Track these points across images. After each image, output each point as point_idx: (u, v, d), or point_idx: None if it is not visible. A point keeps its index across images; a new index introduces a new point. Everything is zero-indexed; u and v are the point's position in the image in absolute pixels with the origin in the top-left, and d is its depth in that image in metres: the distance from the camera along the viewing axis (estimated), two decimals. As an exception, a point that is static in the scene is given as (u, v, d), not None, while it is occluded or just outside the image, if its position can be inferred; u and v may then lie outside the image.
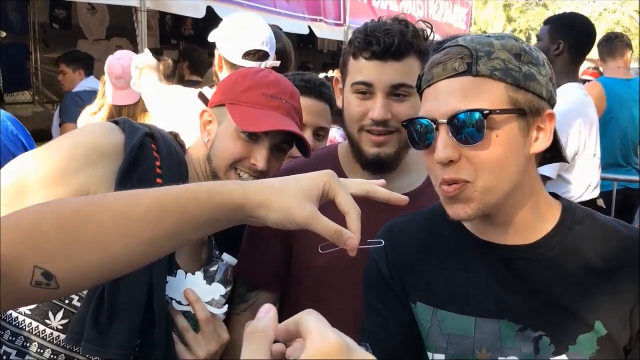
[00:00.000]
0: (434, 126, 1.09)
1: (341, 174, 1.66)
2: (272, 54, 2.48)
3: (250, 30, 2.43)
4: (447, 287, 1.20)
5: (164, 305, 1.31)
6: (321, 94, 2.06)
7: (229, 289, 1.46)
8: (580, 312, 1.11)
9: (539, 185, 1.19)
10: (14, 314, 1.30)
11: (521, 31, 24.06)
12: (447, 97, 1.08)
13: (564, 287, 1.13)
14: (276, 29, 2.88)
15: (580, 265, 1.14)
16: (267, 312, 0.60)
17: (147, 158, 1.35)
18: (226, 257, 1.48)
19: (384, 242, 1.04)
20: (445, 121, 1.07)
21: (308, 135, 2.03)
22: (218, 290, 1.41)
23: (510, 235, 1.17)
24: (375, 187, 1.02)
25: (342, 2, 6.88)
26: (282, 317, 1.72)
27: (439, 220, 1.21)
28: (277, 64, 2.46)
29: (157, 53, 8.18)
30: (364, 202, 1.01)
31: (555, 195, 1.24)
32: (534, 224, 1.17)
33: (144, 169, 1.32)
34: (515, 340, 1.13)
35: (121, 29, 7.49)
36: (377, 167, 1.61)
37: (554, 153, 1.21)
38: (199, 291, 1.39)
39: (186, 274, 1.41)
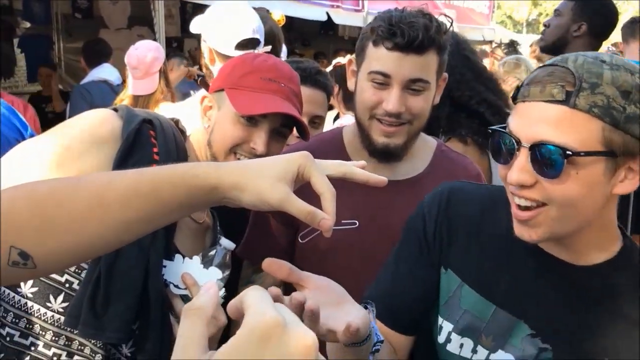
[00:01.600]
0: (516, 146, 1.06)
1: (346, 157, 1.68)
2: (262, 40, 2.49)
3: (239, 19, 2.44)
4: (482, 267, 1.21)
5: (159, 289, 1.34)
6: (317, 82, 2.08)
7: (226, 273, 1.48)
8: (595, 347, 1.11)
9: (613, 220, 1.16)
10: (16, 297, 1.33)
11: (547, 15, 23.57)
12: (536, 122, 1.04)
13: (591, 318, 1.13)
14: (263, 12, 2.90)
15: (612, 306, 1.13)
16: (208, 290, 0.60)
17: (144, 144, 1.37)
18: (224, 241, 1.50)
19: (357, 223, 1.05)
20: (527, 146, 1.04)
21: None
22: (215, 274, 1.43)
23: (563, 251, 1.16)
24: (353, 168, 1.01)
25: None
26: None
27: (500, 202, 1.19)
28: (268, 49, 2.48)
29: (177, 41, 8.22)
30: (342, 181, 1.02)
31: (621, 229, 1.21)
32: (590, 250, 1.15)
33: (140, 155, 1.35)
34: (522, 341, 1.15)
35: (142, 18, 7.53)
36: (385, 156, 1.63)
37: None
38: (196, 275, 1.41)
39: (184, 257, 1.43)
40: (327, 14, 6.46)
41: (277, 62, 1.55)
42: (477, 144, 2.24)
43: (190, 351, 0.54)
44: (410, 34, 1.50)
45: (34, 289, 1.33)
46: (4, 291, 1.35)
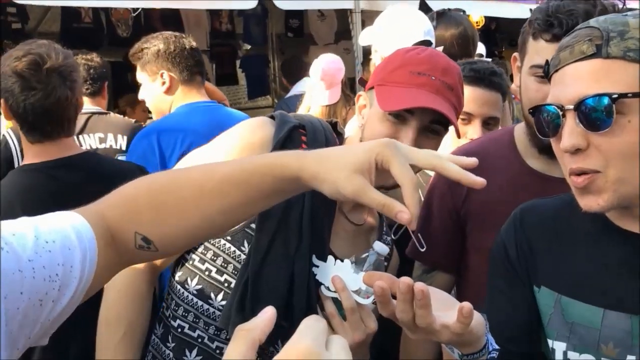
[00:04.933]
0: (561, 112, 1.04)
1: (517, 155, 1.65)
2: (434, 41, 2.44)
3: (409, 23, 2.42)
4: (575, 273, 1.12)
5: (304, 295, 1.36)
6: (491, 83, 2.00)
7: None
8: None
9: None
10: (185, 292, 1.47)
11: None
12: (574, 81, 1.02)
13: None
14: (457, 13, 2.83)
15: None
16: (264, 313, 0.62)
17: (293, 149, 1.41)
18: (377, 245, 1.48)
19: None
20: (572, 107, 1.02)
21: (477, 124, 1.99)
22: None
23: None
24: (445, 162, 0.94)
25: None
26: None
27: (575, 205, 1.11)
28: (440, 49, 2.41)
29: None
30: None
31: None
32: None
33: None
34: None
35: (347, 32, 7.82)
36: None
37: None
38: (346, 279, 1.41)
39: (335, 259, 1.44)
40: (531, 10, 6.10)
41: (433, 53, 1.48)
42: None
43: None
44: (568, 22, 1.38)
45: (199, 287, 1.45)
46: (176, 287, 1.50)
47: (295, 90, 5.14)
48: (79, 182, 2.01)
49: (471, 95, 1.93)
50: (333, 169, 0.90)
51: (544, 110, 1.07)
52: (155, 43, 2.68)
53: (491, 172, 1.64)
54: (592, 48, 1.01)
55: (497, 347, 1.03)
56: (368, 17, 5.73)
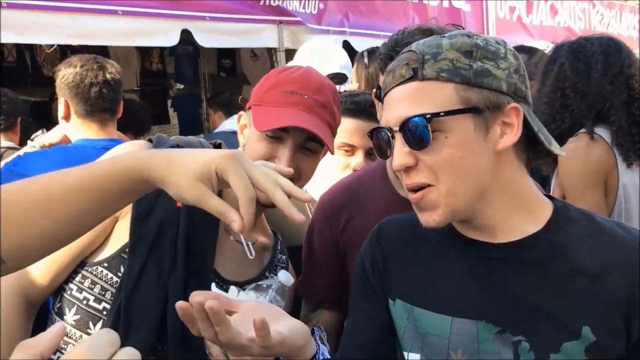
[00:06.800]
0: (390, 134, 1.09)
1: (388, 184, 1.68)
2: (350, 77, 2.51)
3: (326, 55, 2.48)
4: (426, 285, 1.16)
5: (178, 318, 1.34)
6: (371, 115, 2.06)
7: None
8: (565, 317, 1.02)
9: (521, 182, 1.11)
10: (64, 324, 1.43)
11: None
12: (397, 104, 1.08)
13: (549, 289, 1.04)
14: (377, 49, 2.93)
15: (569, 267, 1.05)
16: (53, 328, 0.61)
17: None
18: (282, 275, 1.45)
19: None
20: (397, 129, 1.07)
21: (359, 155, 2.03)
22: None
23: (493, 235, 1.11)
24: (276, 190, 0.96)
25: (485, 19, 6.66)
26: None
27: None
28: (355, 86, 2.47)
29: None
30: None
31: (549, 197, 1.15)
32: (519, 224, 1.09)
33: None
34: (493, 343, 1.06)
35: (279, 72, 7.97)
36: None
37: (544, 147, 1.11)
38: None
39: (238, 291, 1.40)
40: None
41: (307, 73, 1.51)
42: (605, 142, 2.17)
43: None
44: None
45: (77, 317, 1.41)
46: (55, 319, 1.45)
47: (224, 127, 5.13)
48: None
49: (353, 127, 1.99)
50: (177, 174, 0.95)
51: (379, 132, 1.12)
52: (65, 67, 2.59)
53: (367, 201, 1.68)
54: (410, 72, 1.06)
55: (328, 356, 1.04)
56: (292, 56, 5.85)
